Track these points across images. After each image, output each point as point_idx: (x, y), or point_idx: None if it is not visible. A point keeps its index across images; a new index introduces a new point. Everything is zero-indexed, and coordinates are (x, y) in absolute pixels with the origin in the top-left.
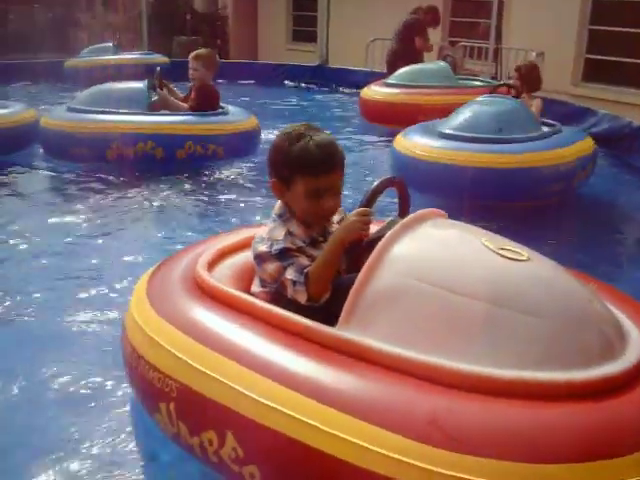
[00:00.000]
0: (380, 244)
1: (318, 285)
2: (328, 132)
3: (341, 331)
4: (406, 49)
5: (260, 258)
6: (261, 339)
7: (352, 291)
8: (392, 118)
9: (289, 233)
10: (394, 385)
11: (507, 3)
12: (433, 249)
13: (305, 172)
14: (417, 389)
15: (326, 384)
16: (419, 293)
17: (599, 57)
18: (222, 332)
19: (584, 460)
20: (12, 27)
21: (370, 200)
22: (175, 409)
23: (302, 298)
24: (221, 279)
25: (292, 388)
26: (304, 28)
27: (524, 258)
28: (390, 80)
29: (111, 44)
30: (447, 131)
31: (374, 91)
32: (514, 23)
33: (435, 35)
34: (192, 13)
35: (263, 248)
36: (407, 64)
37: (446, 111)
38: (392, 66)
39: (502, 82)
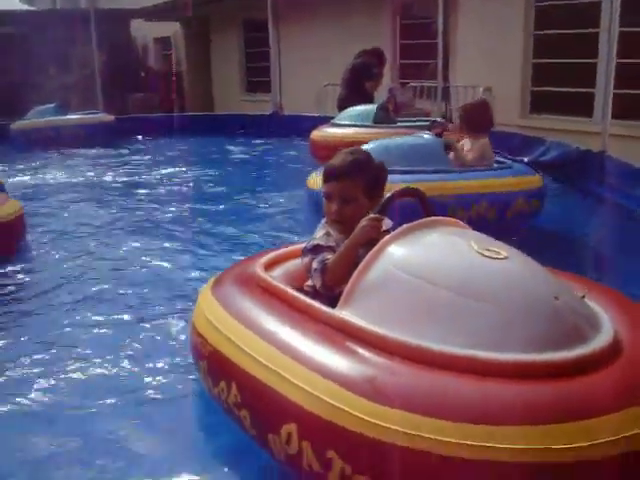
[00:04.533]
0: (382, 241)
1: (332, 276)
2: (378, 162)
3: (339, 310)
4: (355, 93)
5: (302, 253)
6: (275, 315)
7: (353, 276)
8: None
9: (327, 234)
10: (358, 353)
11: (452, 42)
12: (424, 248)
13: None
14: (375, 357)
15: (304, 349)
16: (401, 281)
17: (544, 89)
18: (249, 308)
19: (479, 422)
20: None
21: (383, 208)
22: (207, 366)
23: (317, 283)
24: (276, 277)
25: (280, 350)
26: (259, 79)
27: (501, 257)
28: (335, 120)
29: (53, 105)
30: None
31: (321, 132)
32: (460, 62)
33: (385, 77)
34: (147, 70)
35: (304, 244)
36: (356, 104)
37: None
38: (343, 110)
39: (432, 120)
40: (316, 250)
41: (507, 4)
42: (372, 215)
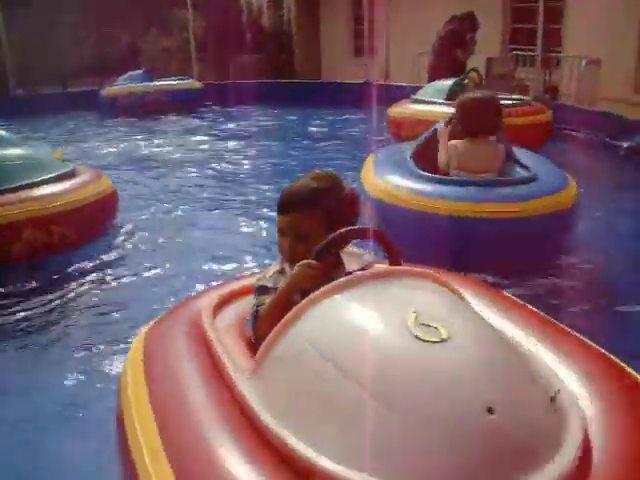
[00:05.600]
0: (307, 298)
1: (262, 326)
2: (349, 190)
3: (249, 379)
4: (445, 62)
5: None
6: (190, 384)
7: (272, 333)
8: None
9: (280, 271)
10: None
11: (564, 8)
12: (353, 316)
13: None
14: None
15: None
16: (310, 360)
17: None
18: (168, 370)
19: None
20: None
21: (323, 250)
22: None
23: (249, 333)
24: (229, 317)
25: (164, 441)
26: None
27: (438, 339)
28: (415, 96)
29: (142, 71)
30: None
31: (397, 107)
32: (571, 29)
33: (493, 43)
34: (259, 30)
35: (253, 281)
36: (448, 77)
37: None
38: (433, 81)
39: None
40: (261, 291)
41: None
42: (307, 261)
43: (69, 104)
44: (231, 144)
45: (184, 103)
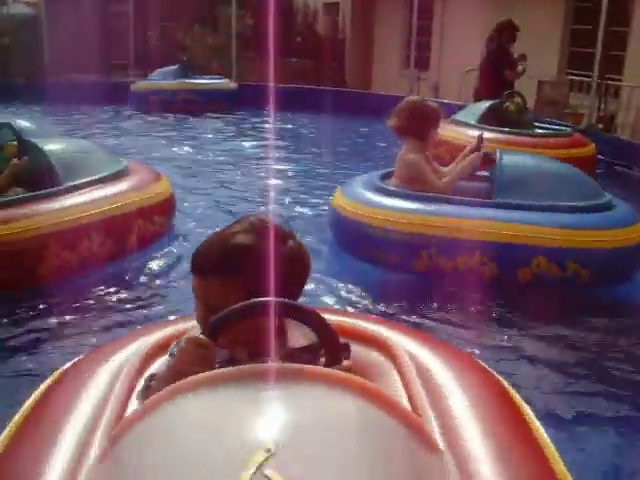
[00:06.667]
0: (173, 386)
1: None
2: (292, 246)
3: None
4: (490, 82)
5: None
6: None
7: (122, 422)
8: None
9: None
10: None
11: (629, 34)
12: (184, 435)
13: None
14: None
15: None
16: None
17: None
18: None
19: None
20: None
21: (218, 326)
22: None
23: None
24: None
25: None
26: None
27: None
28: (456, 117)
29: (176, 67)
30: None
31: None
32: (634, 56)
33: (549, 66)
34: (312, 35)
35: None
36: (492, 98)
37: None
38: (477, 102)
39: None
40: (171, 357)
41: None
42: (197, 338)
43: (103, 95)
44: (255, 150)
45: (217, 103)
